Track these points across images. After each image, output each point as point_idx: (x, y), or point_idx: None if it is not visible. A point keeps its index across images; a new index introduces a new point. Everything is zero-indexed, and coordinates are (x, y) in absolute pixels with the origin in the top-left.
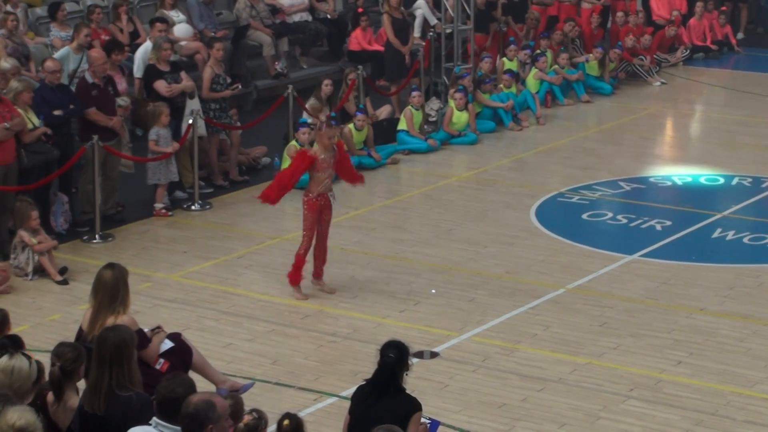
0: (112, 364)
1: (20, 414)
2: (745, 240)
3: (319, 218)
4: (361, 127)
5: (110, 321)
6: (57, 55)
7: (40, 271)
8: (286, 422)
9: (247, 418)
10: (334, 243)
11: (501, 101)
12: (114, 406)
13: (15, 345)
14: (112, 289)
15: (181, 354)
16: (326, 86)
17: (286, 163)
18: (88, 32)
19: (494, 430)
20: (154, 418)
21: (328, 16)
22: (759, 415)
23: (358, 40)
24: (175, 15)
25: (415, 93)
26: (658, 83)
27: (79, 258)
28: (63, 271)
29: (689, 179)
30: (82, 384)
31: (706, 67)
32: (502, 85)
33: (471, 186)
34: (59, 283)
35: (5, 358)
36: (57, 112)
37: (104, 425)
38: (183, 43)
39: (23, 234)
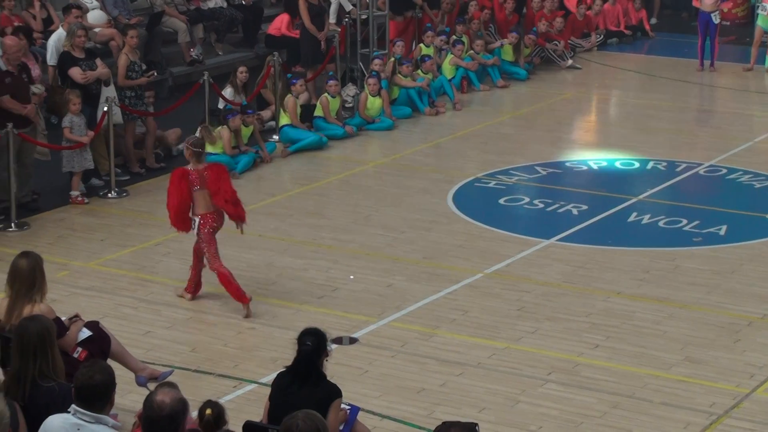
0: (36, 354)
1: None
2: (661, 224)
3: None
4: (249, 123)
5: (27, 310)
6: None
7: None
8: (208, 411)
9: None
10: (252, 229)
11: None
12: (36, 397)
13: None
14: (28, 278)
15: (100, 342)
16: (241, 73)
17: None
18: None
19: (414, 415)
20: (73, 406)
21: (243, 3)
22: (675, 397)
23: (282, 24)
24: (89, 2)
25: (331, 81)
26: (571, 66)
27: None
28: None
29: (605, 164)
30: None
31: (621, 52)
32: (420, 71)
33: (388, 172)
34: None
35: None
36: None
37: (26, 415)
38: (97, 29)
39: None
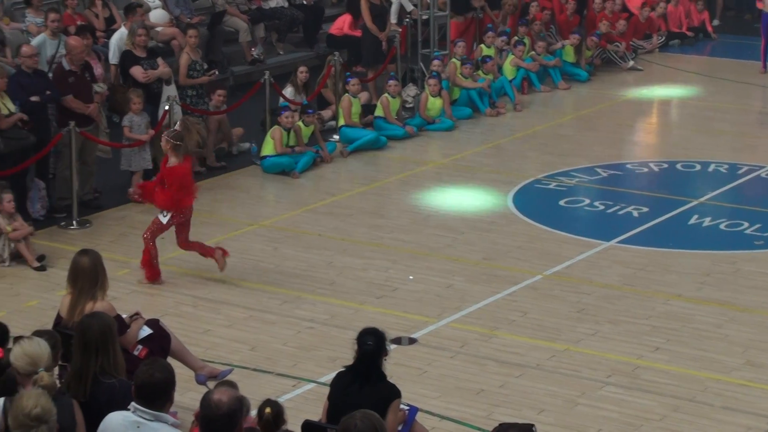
0: (98, 350)
1: (36, 400)
2: (722, 226)
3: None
4: (309, 122)
5: (89, 307)
6: (34, 42)
7: (17, 258)
8: (267, 410)
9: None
10: (312, 229)
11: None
12: (98, 393)
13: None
14: (91, 275)
15: (160, 340)
16: (301, 73)
17: (267, 148)
18: (55, 17)
19: (472, 416)
20: (133, 403)
21: (304, 2)
22: (736, 401)
23: (345, 24)
24: (151, 1)
25: (392, 81)
26: (633, 68)
27: (56, 244)
28: (41, 258)
29: (666, 166)
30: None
31: (683, 53)
32: (480, 72)
33: (448, 172)
34: (36, 269)
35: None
36: (34, 98)
37: (87, 412)
38: (159, 29)
39: None
